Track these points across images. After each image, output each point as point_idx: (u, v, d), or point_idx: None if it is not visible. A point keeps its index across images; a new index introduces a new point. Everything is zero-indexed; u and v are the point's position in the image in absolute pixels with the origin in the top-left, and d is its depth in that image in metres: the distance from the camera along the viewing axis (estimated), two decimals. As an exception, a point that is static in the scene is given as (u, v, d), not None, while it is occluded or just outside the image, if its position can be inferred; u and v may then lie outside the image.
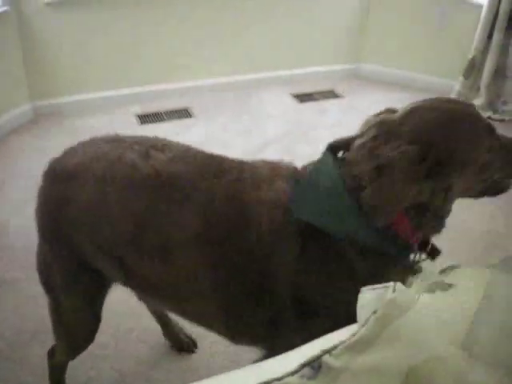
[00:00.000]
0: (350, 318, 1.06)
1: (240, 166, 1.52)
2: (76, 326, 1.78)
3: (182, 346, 2.30)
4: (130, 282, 1.63)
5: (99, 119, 3.90)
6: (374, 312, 0.95)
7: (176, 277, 1.50)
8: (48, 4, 3.67)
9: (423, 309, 1.03)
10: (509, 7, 3.99)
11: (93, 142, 1.67)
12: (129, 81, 4.11)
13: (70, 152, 1.65)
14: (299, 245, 1.36)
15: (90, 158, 1.58)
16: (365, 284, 1.15)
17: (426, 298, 1.10)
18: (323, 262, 1.37)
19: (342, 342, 0.94)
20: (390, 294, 0.97)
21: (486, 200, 1.55)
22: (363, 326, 0.95)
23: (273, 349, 1.40)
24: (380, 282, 1.14)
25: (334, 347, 0.95)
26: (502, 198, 1.60)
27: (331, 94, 4.49)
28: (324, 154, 1.43)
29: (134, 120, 3.92)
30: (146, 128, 3.83)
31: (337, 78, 4.71)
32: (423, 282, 1.21)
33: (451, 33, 4.40)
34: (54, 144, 3.61)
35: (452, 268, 1.33)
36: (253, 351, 1.60)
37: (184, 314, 1.67)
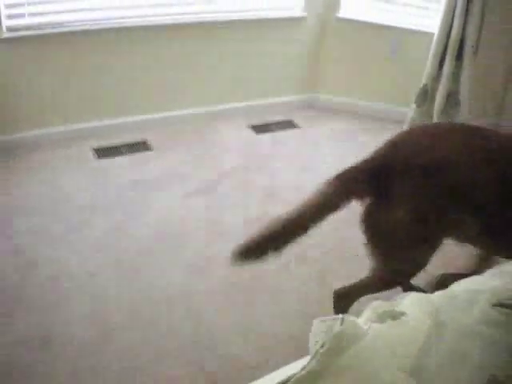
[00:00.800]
0: None
1: None
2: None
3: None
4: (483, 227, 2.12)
5: (55, 154, 3.85)
6: (322, 345, 0.96)
7: None
8: (3, 39, 3.65)
9: (373, 339, 1.04)
10: (459, 35, 4.09)
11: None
12: (85, 115, 4.09)
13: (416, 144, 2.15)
14: None
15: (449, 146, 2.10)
16: None
17: (376, 327, 1.11)
18: None
19: (292, 376, 0.95)
20: (337, 327, 0.98)
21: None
22: (312, 359, 0.96)
23: None
24: None
25: (285, 381, 0.95)
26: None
27: (288, 125, 4.52)
28: None
29: (91, 154, 3.89)
30: (103, 162, 3.81)
31: (294, 108, 4.75)
32: (375, 310, 1.22)
33: (404, 61, 4.49)
34: (9, 180, 3.58)
35: (404, 296, 1.35)
36: None
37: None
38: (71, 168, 3.73)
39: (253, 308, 2.72)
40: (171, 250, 3.07)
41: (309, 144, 4.25)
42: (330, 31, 4.61)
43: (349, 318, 1.02)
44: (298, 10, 4.52)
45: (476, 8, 4.02)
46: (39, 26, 3.74)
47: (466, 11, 4.03)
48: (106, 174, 3.72)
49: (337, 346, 0.95)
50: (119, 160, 3.87)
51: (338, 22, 4.56)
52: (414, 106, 4.36)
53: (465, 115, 4.31)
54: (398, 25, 4.42)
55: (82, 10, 3.84)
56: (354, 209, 2.87)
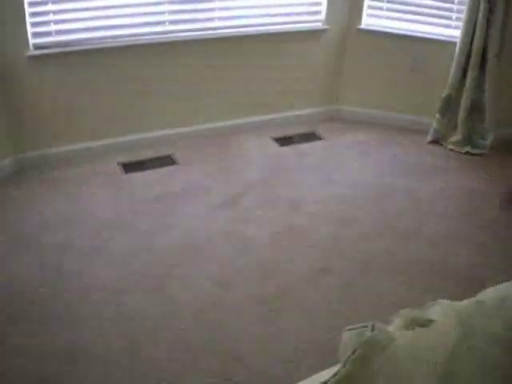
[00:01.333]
0: None
1: None
2: None
3: None
4: None
5: (83, 170, 3.92)
6: (354, 352, 0.97)
7: None
8: (31, 57, 3.72)
9: (402, 345, 1.05)
10: (481, 44, 4.09)
11: None
12: (112, 130, 4.15)
13: None
14: None
15: None
16: None
17: (405, 334, 1.12)
18: None
19: (323, 383, 0.96)
20: (368, 333, 0.99)
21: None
22: (344, 366, 0.97)
23: None
24: None
25: (316, 388, 0.96)
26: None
27: (312, 137, 4.55)
28: None
29: (118, 169, 3.95)
30: (130, 177, 3.86)
31: (316, 120, 4.77)
32: (404, 317, 1.23)
33: (426, 71, 4.49)
34: (36, 196, 3.64)
35: (433, 303, 1.36)
36: None
37: None
38: (99, 183, 3.78)
39: (278, 320, 2.72)
40: (197, 263, 3.09)
41: (332, 156, 4.25)
42: (352, 43, 4.63)
43: (379, 325, 1.03)
44: (319, 23, 4.55)
45: (498, 17, 4.02)
46: (66, 44, 3.81)
47: (488, 21, 4.04)
48: (133, 188, 3.76)
49: (367, 353, 0.97)
50: (146, 174, 3.91)
51: (359, 33, 4.58)
52: (437, 115, 4.36)
53: (489, 124, 4.30)
54: (420, 35, 4.43)
55: (108, 27, 3.91)
56: (379, 221, 2.88)
